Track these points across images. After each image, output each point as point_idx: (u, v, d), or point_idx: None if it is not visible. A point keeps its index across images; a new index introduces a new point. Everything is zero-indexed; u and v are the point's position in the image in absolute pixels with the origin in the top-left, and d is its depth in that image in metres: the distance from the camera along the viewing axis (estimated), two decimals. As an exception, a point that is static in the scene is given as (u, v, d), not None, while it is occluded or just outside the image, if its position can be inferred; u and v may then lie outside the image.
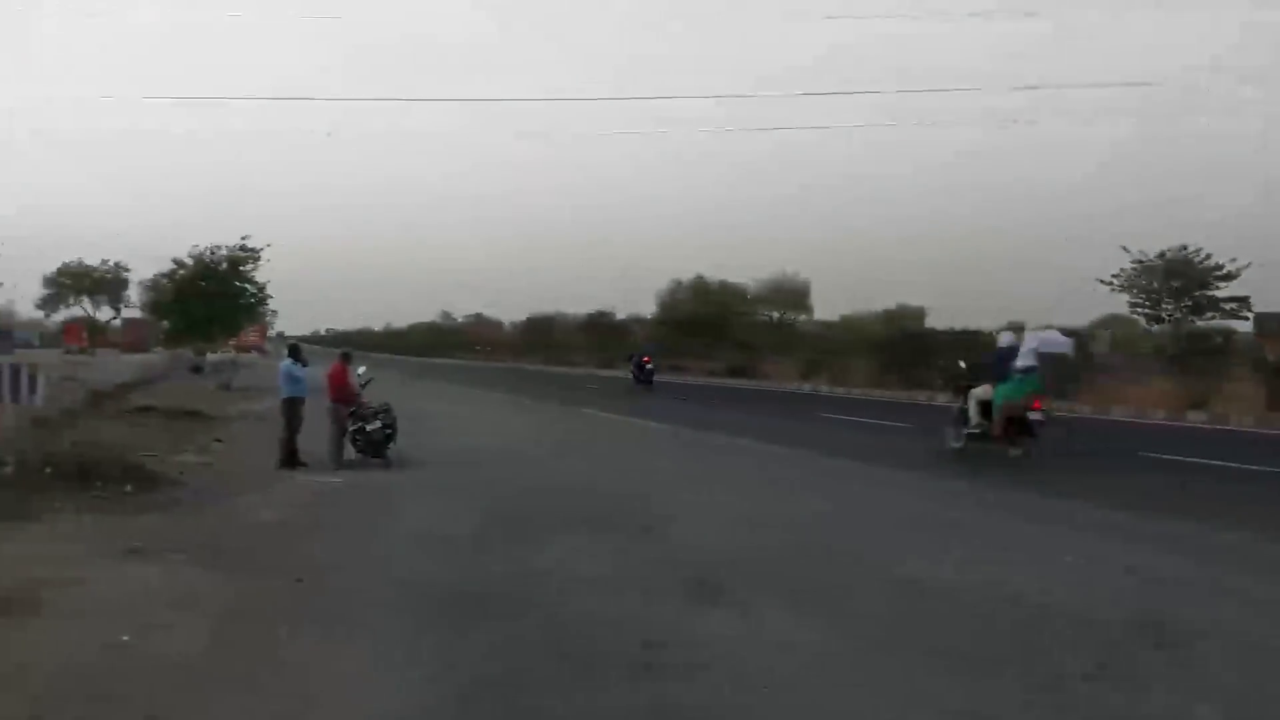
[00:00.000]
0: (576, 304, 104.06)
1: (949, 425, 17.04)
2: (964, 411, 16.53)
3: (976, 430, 16.13)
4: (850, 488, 13.13)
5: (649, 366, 42.06)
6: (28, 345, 79.74)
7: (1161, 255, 48.87)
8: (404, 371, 53.14)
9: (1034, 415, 15.61)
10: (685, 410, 28.59)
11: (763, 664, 5.84)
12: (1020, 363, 15.66)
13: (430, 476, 14.32)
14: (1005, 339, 16.74)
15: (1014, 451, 15.60)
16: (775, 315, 76.41)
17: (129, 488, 12.10)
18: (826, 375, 42.09)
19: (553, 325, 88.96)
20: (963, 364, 18.76)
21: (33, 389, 17.80)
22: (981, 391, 16.10)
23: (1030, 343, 16.06)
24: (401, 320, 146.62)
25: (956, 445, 16.52)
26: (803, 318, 75.78)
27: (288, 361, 16.19)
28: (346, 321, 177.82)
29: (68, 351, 69.86)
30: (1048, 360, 16.76)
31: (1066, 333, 21.90)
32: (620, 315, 77.90)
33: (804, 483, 13.69)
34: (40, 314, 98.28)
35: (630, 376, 41.28)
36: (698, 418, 24.99)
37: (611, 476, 14.26)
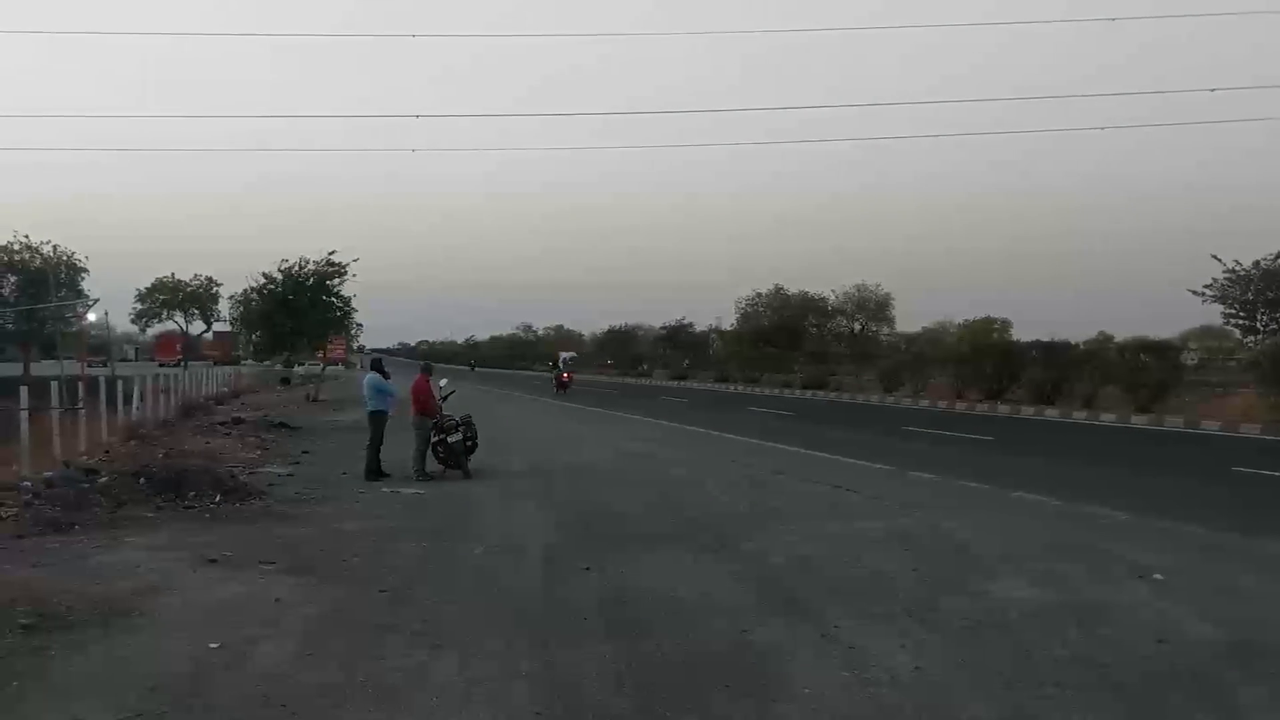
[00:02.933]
0: (657, 315, 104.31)
1: (553, 386, 49.82)
2: (553, 380, 51.57)
3: (555, 387, 49.14)
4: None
5: (474, 365, 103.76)
6: (124, 359, 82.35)
7: (1256, 265, 47.34)
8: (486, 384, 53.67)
9: (565, 380, 49.46)
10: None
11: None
12: (562, 361, 61.72)
13: (511, 487, 14.43)
14: (564, 353, 72.38)
15: (561, 393, 46.83)
16: (856, 326, 75.76)
17: (219, 498, 12.40)
18: (907, 388, 41.55)
19: (633, 337, 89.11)
20: (550, 362, 67.21)
21: (128, 401, 18.36)
22: (555, 372, 53.09)
23: (565, 355, 68.92)
24: (483, 332, 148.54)
25: (555, 392, 46.96)
26: (885, 330, 75.04)
27: (372, 375, 16.47)
28: (427, 334, 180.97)
29: (161, 364, 71.80)
30: (569, 361, 65.47)
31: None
32: (699, 326, 77.72)
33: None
34: (134, 328, 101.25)
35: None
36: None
37: (687, 491, 14.24)
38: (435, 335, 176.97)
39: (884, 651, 6.37)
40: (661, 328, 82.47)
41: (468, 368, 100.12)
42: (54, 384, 16.15)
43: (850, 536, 10.38)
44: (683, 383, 62.52)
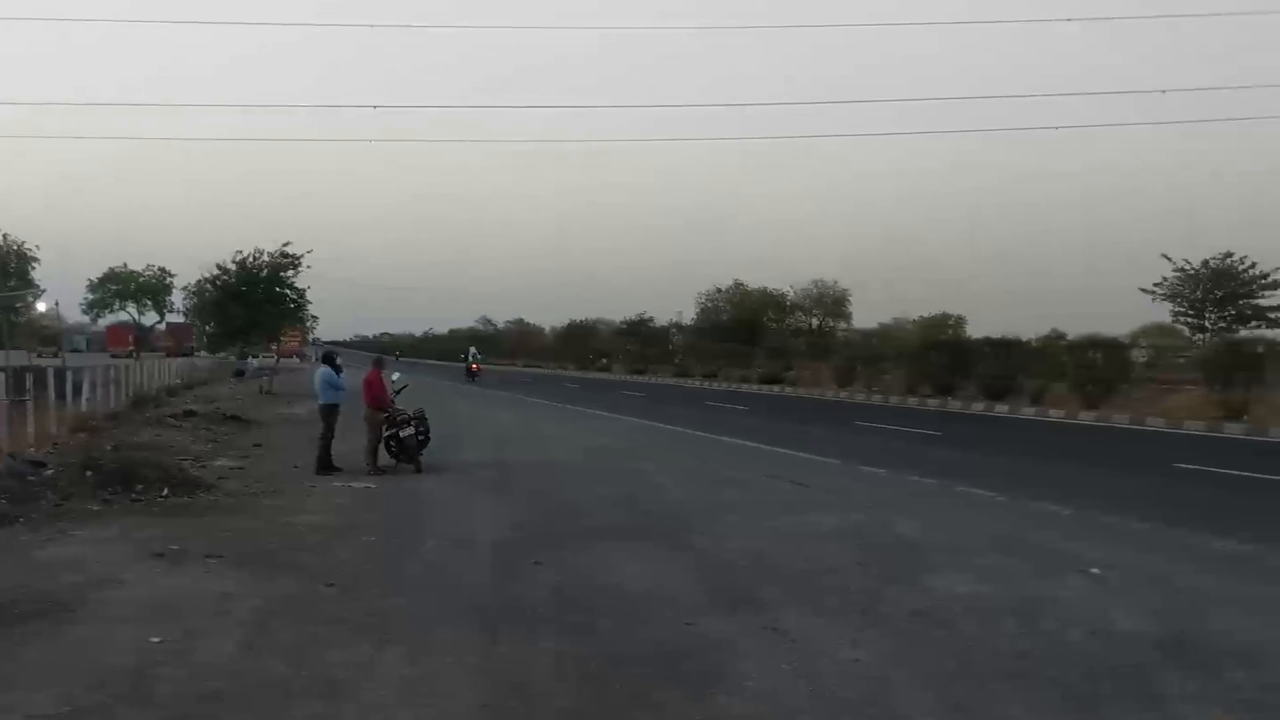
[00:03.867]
0: (618, 310, 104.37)
1: (465, 374, 57.18)
2: (465, 369, 58.31)
3: (466, 374, 55.83)
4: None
5: (399, 355, 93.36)
6: (75, 349, 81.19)
7: (1205, 264, 48.16)
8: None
9: (474, 370, 56.30)
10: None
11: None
12: (471, 355, 59.14)
13: (463, 481, 14.42)
14: (472, 348, 62.73)
15: (471, 382, 51.79)
16: (814, 322, 76.24)
17: (167, 491, 12.30)
18: (861, 383, 41.88)
19: (593, 331, 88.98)
20: (463, 355, 64.55)
21: (77, 392, 18.12)
22: (466, 363, 58.70)
23: (474, 350, 60.71)
24: (441, 325, 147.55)
25: (467, 379, 53.07)
26: (842, 325, 75.61)
27: (324, 369, 16.37)
28: (386, 326, 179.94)
29: (114, 355, 70.85)
30: (476, 355, 60.05)
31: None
32: (660, 321, 77.87)
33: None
34: (86, 318, 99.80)
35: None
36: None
37: (644, 490, 14.31)
38: (394, 328, 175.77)
39: (830, 645, 6.48)
40: (622, 322, 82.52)
41: (392, 357, 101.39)
42: (1, 375, 15.91)
43: (801, 531, 10.50)
44: (642, 377, 62.59)
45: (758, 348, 58.63)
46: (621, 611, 7.28)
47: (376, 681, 5.72)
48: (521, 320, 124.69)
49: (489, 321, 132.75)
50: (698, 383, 53.50)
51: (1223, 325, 47.34)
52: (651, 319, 78.45)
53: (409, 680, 5.76)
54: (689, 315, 78.42)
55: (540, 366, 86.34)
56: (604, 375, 68.54)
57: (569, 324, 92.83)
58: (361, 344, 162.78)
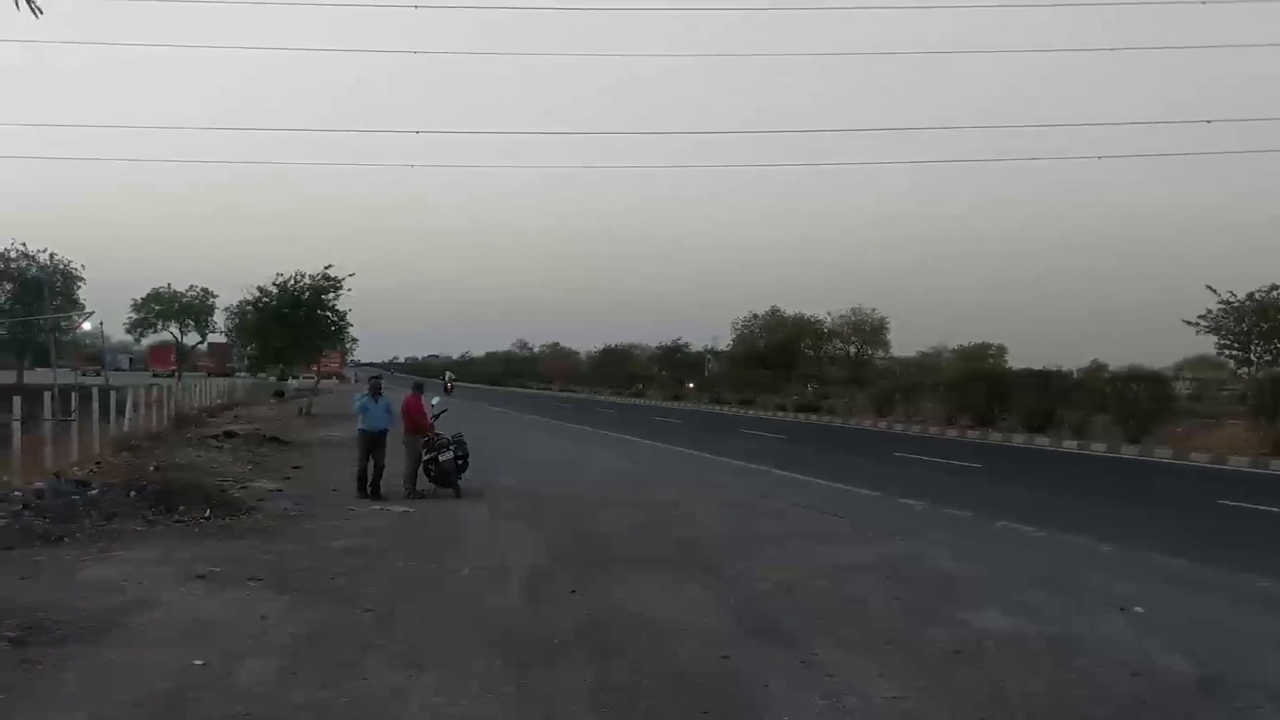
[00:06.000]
0: (653, 334, 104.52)
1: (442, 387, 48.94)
2: (445, 384, 54.74)
3: (445, 392, 40.32)
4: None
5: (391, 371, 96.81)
6: (118, 368, 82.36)
7: (1250, 296, 47.45)
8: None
9: (449, 388, 51.46)
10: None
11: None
12: (446, 376, 63.22)
13: (500, 506, 14.46)
14: (449, 372, 74.43)
15: (448, 394, 42.47)
16: (851, 350, 75.90)
17: (209, 513, 12.44)
18: (899, 413, 41.61)
19: (628, 356, 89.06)
20: (441, 377, 65.39)
21: (121, 411, 18.39)
22: (443, 383, 56.01)
23: (450, 374, 67.86)
24: (478, 349, 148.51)
25: (441, 399, 37.72)
26: (880, 354, 75.22)
27: (357, 395, 16.48)
28: (423, 349, 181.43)
29: (155, 375, 71.77)
30: (452, 377, 66.88)
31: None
32: (695, 347, 77.84)
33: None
34: (129, 337, 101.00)
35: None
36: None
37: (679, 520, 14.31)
38: (438, 350, 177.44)
39: (862, 679, 6.43)
40: (657, 347, 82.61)
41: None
42: (47, 394, 16.19)
43: (834, 563, 10.43)
44: (677, 403, 62.52)
45: (794, 374, 58.40)
46: (653, 641, 7.28)
47: (410, 707, 5.76)
48: (557, 345, 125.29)
49: (525, 345, 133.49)
50: (733, 410, 53.35)
51: (1268, 359, 46.58)
52: (687, 345, 78.45)
53: (441, 707, 5.79)
54: (724, 341, 78.39)
55: (576, 391, 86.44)
56: (639, 401, 68.47)
57: (604, 349, 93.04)
58: (398, 367, 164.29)
